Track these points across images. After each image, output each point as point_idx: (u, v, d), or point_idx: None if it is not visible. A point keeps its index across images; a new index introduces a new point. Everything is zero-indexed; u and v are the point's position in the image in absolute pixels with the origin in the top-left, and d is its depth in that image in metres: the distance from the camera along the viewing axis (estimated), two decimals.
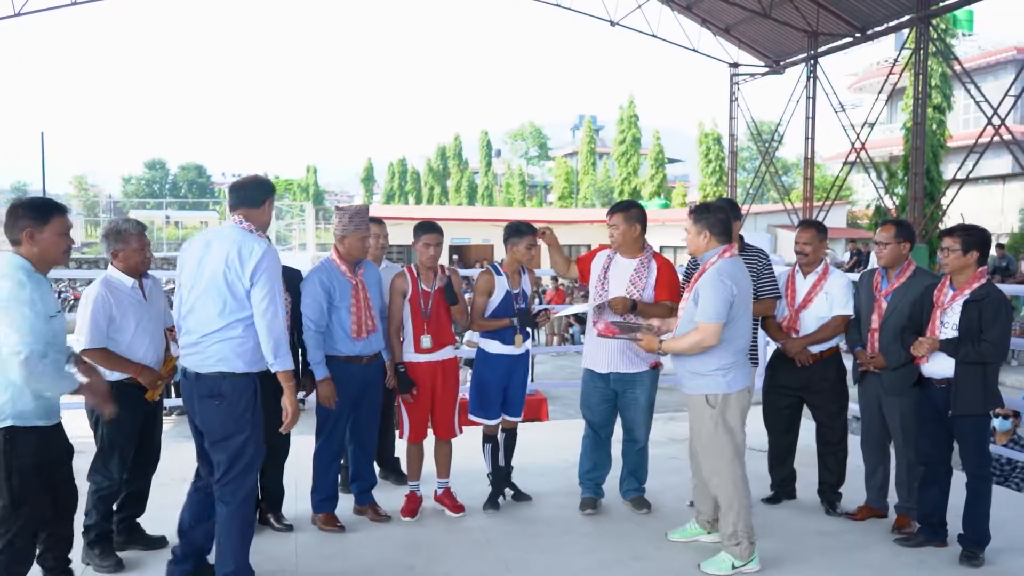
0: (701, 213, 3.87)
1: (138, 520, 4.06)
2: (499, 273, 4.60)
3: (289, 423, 3.47)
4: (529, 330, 4.67)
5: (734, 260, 3.83)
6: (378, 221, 4.88)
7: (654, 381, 4.51)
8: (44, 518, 3.22)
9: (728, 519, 3.83)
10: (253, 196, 3.44)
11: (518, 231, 4.60)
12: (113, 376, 3.81)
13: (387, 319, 4.46)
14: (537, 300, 4.33)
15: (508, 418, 4.72)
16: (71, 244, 3.22)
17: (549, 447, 5.42)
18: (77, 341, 3.89)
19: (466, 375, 6.88)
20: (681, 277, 4.94)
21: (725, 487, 3.83)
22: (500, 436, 4.73)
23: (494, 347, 4.60)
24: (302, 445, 4.48)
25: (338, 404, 4.25)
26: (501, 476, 4.74)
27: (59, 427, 3.29)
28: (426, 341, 4.40)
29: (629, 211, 4.46)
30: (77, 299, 18.78)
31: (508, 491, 4.78)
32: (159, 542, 4.04)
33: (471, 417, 4.68)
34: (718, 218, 3.84)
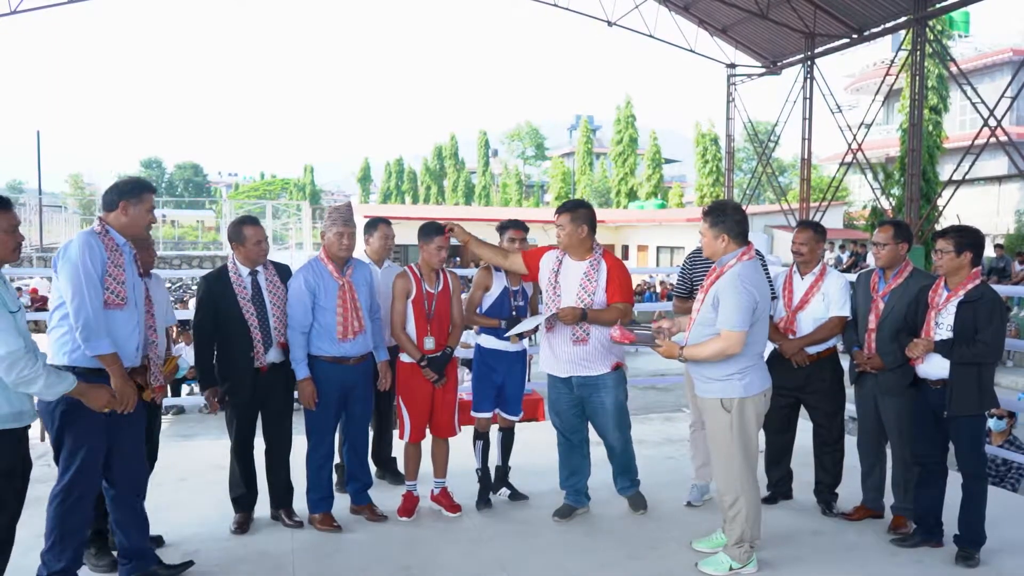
0: (718, 215, 3.73)
1: None
2: (497, 270, 4.60)
3: (119, 406, 3.33)
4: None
5: (753, 263, 3.71)
6: (385, 222, 4.90)
7: (617, 382, 4.39)
8: (13, 533, 3.14)
9: (736, 522, 3.79)
10: (108, 199, 3.52)
11: (502, 226, 4.68)
12: None
13: (390, 321, 4.42)
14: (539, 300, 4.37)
15: (506, 416, 4.73)
16: (20, 240, 3.18)
17: (545, 447, 5.41)
18: None
19: (463, 375, 6.88)
20: (677, 277, 4.95)
21: (732, 490, 3.78)
22: (497, 435, 4.73)
23: (490, 342, 4.61)
24: (297, 444, 4.48)
25: (325, 405, 4.24)
26: (500, 474, 4.76)
27: (26, 433, 3.21)
28: (429, 343, 4.39)
29: (576, 211, 4.31)
30: None
31: (505, 490, 4.79)
32: (155, 541, 4.02)
33: (473, 414, 4.68)
34: (735, 220, 3.72)
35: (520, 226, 4.68)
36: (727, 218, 3.73)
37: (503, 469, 4.78)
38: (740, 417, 3.73)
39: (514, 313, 4.57)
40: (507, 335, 4.48)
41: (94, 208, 42.55)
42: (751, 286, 3.62)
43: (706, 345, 3.69)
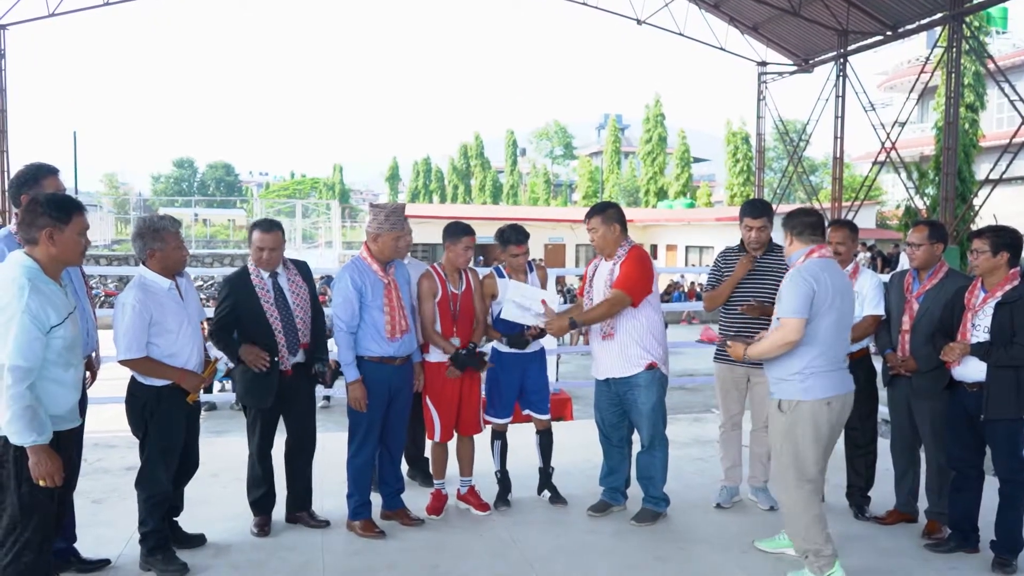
0: (787, 218, 3.85)
1: (176, 519, 4.06)
2: (502, 275, 4.62)
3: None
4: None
5: (821, 260, 3.66)
6: None
7: (650, 383, 4.35)
8: (52, 531, 3.12)
9: (790, 533, 3.74)
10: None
11: (502, 238, 4.61)
12: (156, 383, 3.71)
13: (419, 321, 4.40)
14: (563, 299, 4.32)
15: (537, 416, 4.72)
16: (87, 244, 3.12)
17: (573, 447, 5.41)
18: (116, 349, 3.71)
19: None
20: (709, 273, 4.92)
21: (782, 499, 3.74)
22: (535, 438, 4.75)
23: (505, 346, 4.62)
24: (325, 441, 4.50)
25: (372, 407, 4.17)
26: (543, 476, 4.78)
27: (72, 435, 3.12)
28: (455, 342, 4.39)
29: (606, 212, 4.39)
30: (108, 295, 19.03)
31: (547, 493, 4.78)
32: (198, 540, 4.06)
33: (485, 417, 4.67)
34: (802, 221, 3.78)
35: (523, 240, 4.60)
36: (794, 220, 3.79)
37: (546, 472, 4.79)
38: (793, 421, 3.62)
39: (519, 331, 4.53)
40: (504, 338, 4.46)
41: (128, 207, 43.29)
42: (810, 276, 3.59)
43: (766, 339, 3.68)
